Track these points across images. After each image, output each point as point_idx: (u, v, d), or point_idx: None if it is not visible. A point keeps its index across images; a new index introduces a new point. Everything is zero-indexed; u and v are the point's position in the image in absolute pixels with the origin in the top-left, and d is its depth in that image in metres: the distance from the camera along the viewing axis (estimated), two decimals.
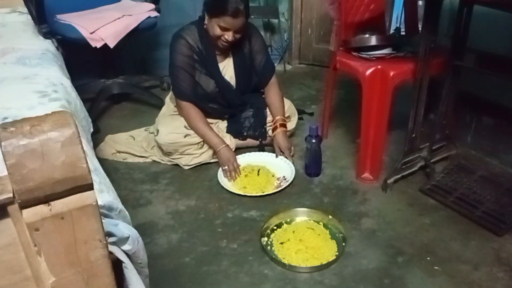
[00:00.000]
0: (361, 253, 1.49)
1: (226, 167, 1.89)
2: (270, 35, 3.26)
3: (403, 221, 1.64)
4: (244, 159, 1.99)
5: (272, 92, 2.07)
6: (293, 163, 1.96)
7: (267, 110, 2.08)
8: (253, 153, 2.05)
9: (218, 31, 1.80)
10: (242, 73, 2.01)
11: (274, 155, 2.02)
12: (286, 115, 2.06)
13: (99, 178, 0.96)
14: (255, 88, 2.11)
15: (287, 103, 2.12)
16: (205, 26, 1.87)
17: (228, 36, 1.80)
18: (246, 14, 1.80)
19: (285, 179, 1.90)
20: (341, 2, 1.87)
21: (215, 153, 1.95)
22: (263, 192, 1.81)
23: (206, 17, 1.83)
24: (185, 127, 1.95)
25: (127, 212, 0.92)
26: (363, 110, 1.77)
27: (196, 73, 1.94)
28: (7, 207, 0.56)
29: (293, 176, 1.89)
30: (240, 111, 2.09)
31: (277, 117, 2.02)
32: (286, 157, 1.98)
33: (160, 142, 1.93)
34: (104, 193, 0.89)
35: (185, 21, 2.06)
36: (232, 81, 2.00)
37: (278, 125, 2.00)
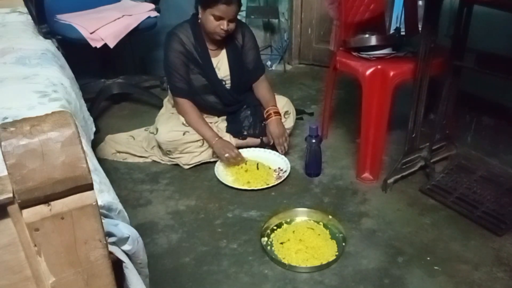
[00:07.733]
0: (361, 253, 1.49)
1: (227, 154, 1.89)
2: (270, 35, 3.26)
3: (403, 221, 1.64)
4: None
5: (261, 86, 2.09)
6: (286, 150, 2.00)
7: None
8: (240, 149, 2.05)
9: (213, 22, 1.84)
10: (236, 66, 2.02)
11: (262, 149, 2.05)
12: (284, 110, 2.07)
13: (99, 178, 0.96)
14: (248, 86, 2.12)
15: (284, 99, 2.13)
16: (199, 21, 1.91)
17: (223, 25, 1.84)
18: (239, 2, 1.86)
19: (281, 170, 1.93)
20: (341, 2, 1.87)
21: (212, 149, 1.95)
22: (267, 185, 1.82)
23: (200, 11, 1.87)
24: (183, 124, 1.96)
25: (126, 213, 0.92)
26: (363, 110, 1.77)
27: (190, 72, 1.96)
28: (7, 207, 0.56)
29: (288, 165, 1.93)
30: (238, 110, 2.09)
31: (269, 107, 2.03)
32: (279, 145, 1.99)
33: (160, 140, 1.93)
34: (104, 193, 0.89)
35: None
36: (227, 76, 2.02)
37: (272, 113, 2.01)
